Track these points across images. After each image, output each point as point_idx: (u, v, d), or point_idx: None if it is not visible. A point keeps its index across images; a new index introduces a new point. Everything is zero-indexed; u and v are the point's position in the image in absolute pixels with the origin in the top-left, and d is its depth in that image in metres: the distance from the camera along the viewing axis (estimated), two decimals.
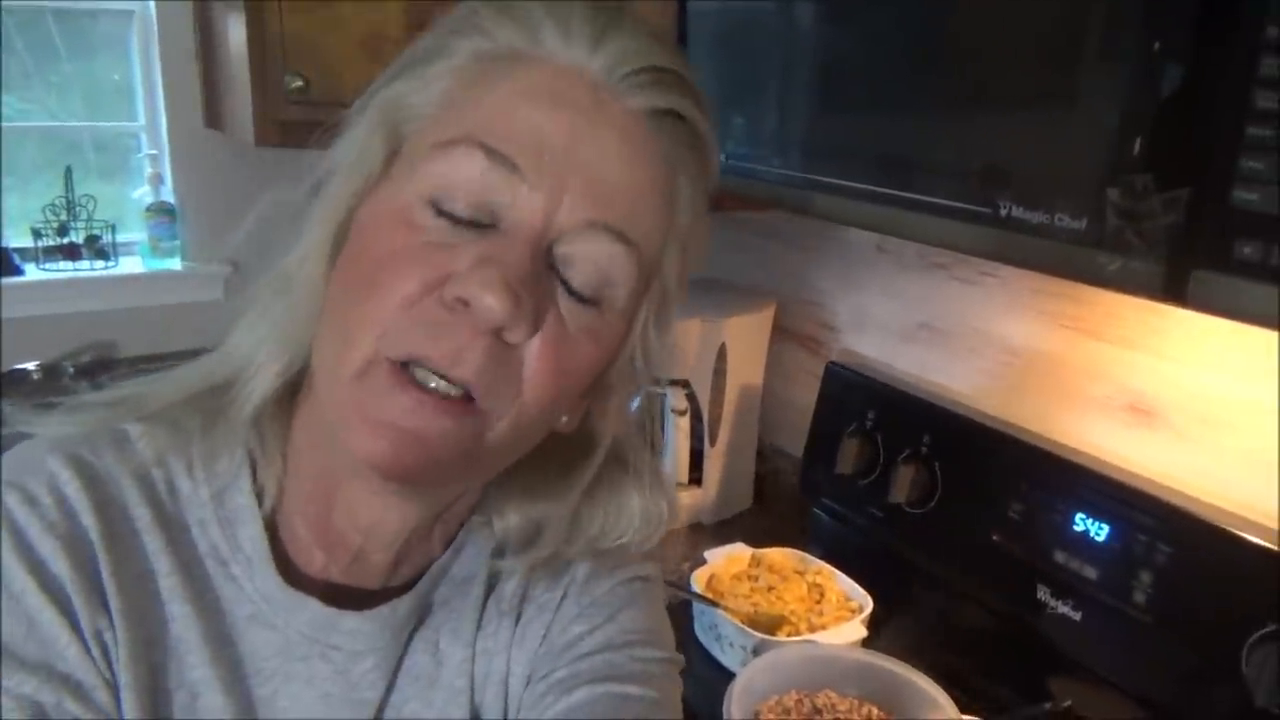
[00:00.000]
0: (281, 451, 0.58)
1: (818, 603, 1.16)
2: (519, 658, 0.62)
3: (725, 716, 0.91)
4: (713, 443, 1.45)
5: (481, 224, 0.50)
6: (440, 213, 0.50)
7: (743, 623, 1.10)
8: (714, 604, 1.13)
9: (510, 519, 0.62)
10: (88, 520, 0.53)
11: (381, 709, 0.59)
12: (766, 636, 1.08)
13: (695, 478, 1.46)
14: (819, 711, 0.99)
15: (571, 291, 0.52)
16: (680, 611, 1.22)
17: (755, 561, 1.22)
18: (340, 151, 0.54)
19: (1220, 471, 0.97)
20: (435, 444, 0.49)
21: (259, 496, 0.57)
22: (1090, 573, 0.99)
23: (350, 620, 0.57)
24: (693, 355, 1.39)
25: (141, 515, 0.55)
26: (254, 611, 0.56)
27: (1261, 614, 0.85)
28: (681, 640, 1.17)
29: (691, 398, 1.42)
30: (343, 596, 0.58)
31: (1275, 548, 0.85)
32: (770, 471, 1.53)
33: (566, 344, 0.51)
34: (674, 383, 1.41)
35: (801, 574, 1.20)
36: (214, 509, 0.57)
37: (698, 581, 1.17)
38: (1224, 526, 0.90)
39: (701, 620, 1.17)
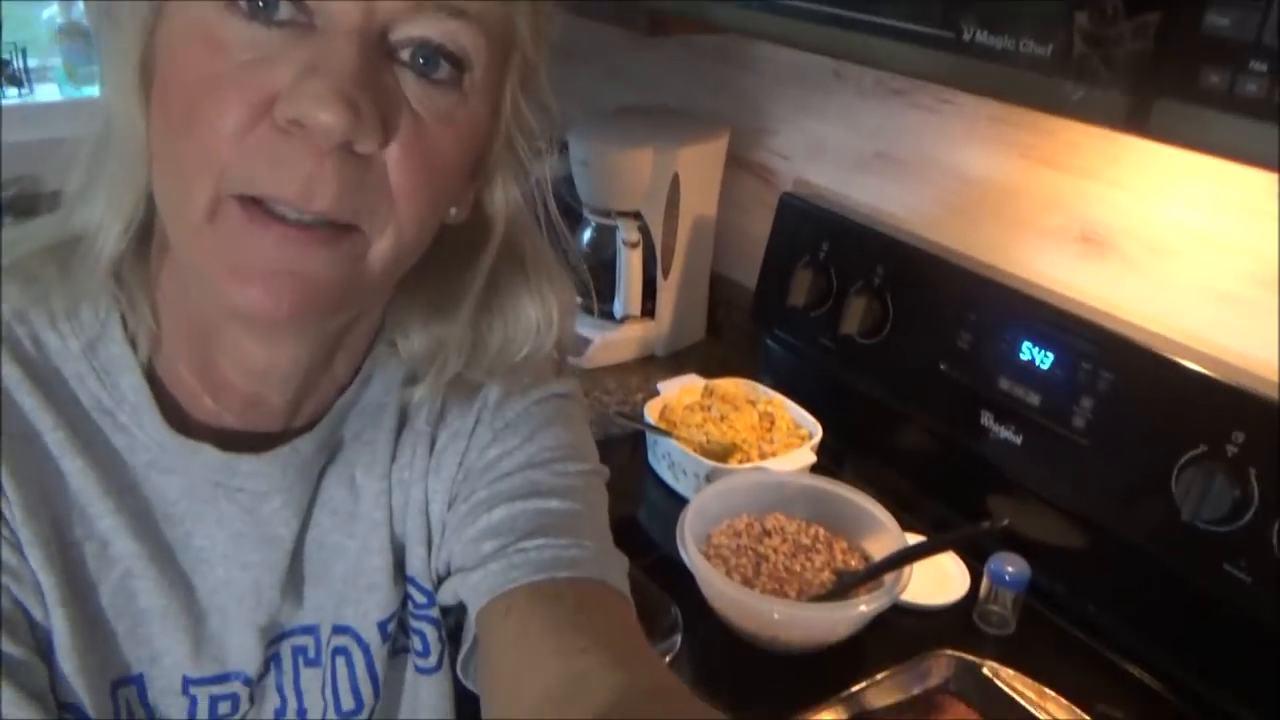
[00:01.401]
0: (149, 301, 0.55)
1: (768, 431, 1.19)
2: (436, 486, 0.62)
3: (679, 540, 0.94)
4: (665, 275, 1.44)
5: (298, 23, 0.45)
6: (243, 15, 0.44)
7: (695, 451, 1.12)
8: (667, 434, 1.15)
9: (414, 339, 0.59)
10: None
11: (300, 544, 0.59)
12: (718, 464, 1.10)
13: (648, 309, 1.46)
14: (768, 533, 1.03)
15: (419, 80, 0.47)
16: (634, 442, 1.24)
17: (708, 392, 1.24)
18: None
19: (1166, 300, 0.99)
20: (312, 279, 0.46)
21: (133, 345, 0.54)
22: (1033, 399, 1.01)
23: (248, 463, 0.56)
24: (644, 186, 1.36)
25: (11, 374, 0.52)
26: (151, 458, 0.55)
27: (1193, 437, 0.88)
28: (636, 470, 1.21)
29: (644, 229, 1.40)
30: (243, 439, 0.56)
31: (1211, 373, 0.88)
32: (723, 303, 1.53)
33: (428, 141, 0.47)
34: (625, 214, 1.39)
35: (753, 403, 1.22)
36: (88, 361, 0.54)
37: (651, 412, 1.19)
38: (1163, 354, 0.92)
39: (655, 450, 1.20)
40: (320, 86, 0.43)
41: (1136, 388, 0.94)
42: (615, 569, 0.59)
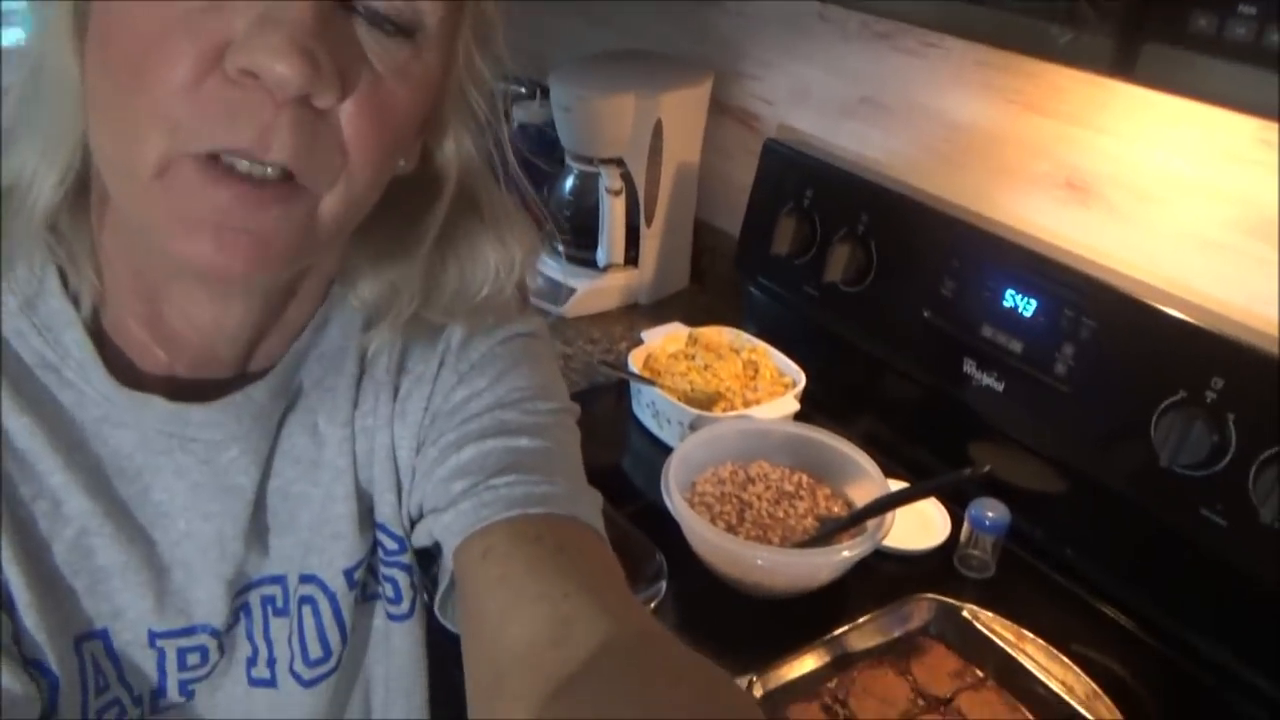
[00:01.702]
0: (90, 256, 0.53)
1: (752, 379, 1.19)
2: (403, 431, 0.61)
3: (663, 488, 0.95)
4: (649, 223, 1.43)
5: None
6: None
7: (679, 400, 1.12)
8: (651, 383, 1.15)
9: (368, 284, 0.58)
10: None
11: (263, 493, 0.59)
12: (703, 413, 1.11)
13: (631, 258, 1.45)
14: (752, 481, 1.03)
15: (374, 31, 0.46)
16: (619, 391, 1.24)
17: (692, 340, 1.24)
18: None
19: (1149, 247, 0.99)
20: (265, 236, 0.45)
21: (75, 301, 0.53)
22: (1016, 346, 1.02)
23: (198, 413, 0.55)
24: (627, 132, 1.35)
25: None
26: (102, 413, 0.54)
27: (1173, 383, 0.89)
28: (620, 419, 1.21)
29: (626, 177, 1.39)
30: (196, 389, 0.55)
31: (1191, 320, 0.89)
32: (707, 251, 1.52)
33: (382, 94, 0.46)
34: (608, 161, 1.37)
35: (737, 352, 1.23)
36: (27, 317, 0.52)
37: (635, 361, 1.19)
38: (1144, 300, 0.92)
39: (639, 399, 1.20)
40: (277, 38, 0.41)
41: (1118, 335, 0.94)
42: (588, 505, 0.58)
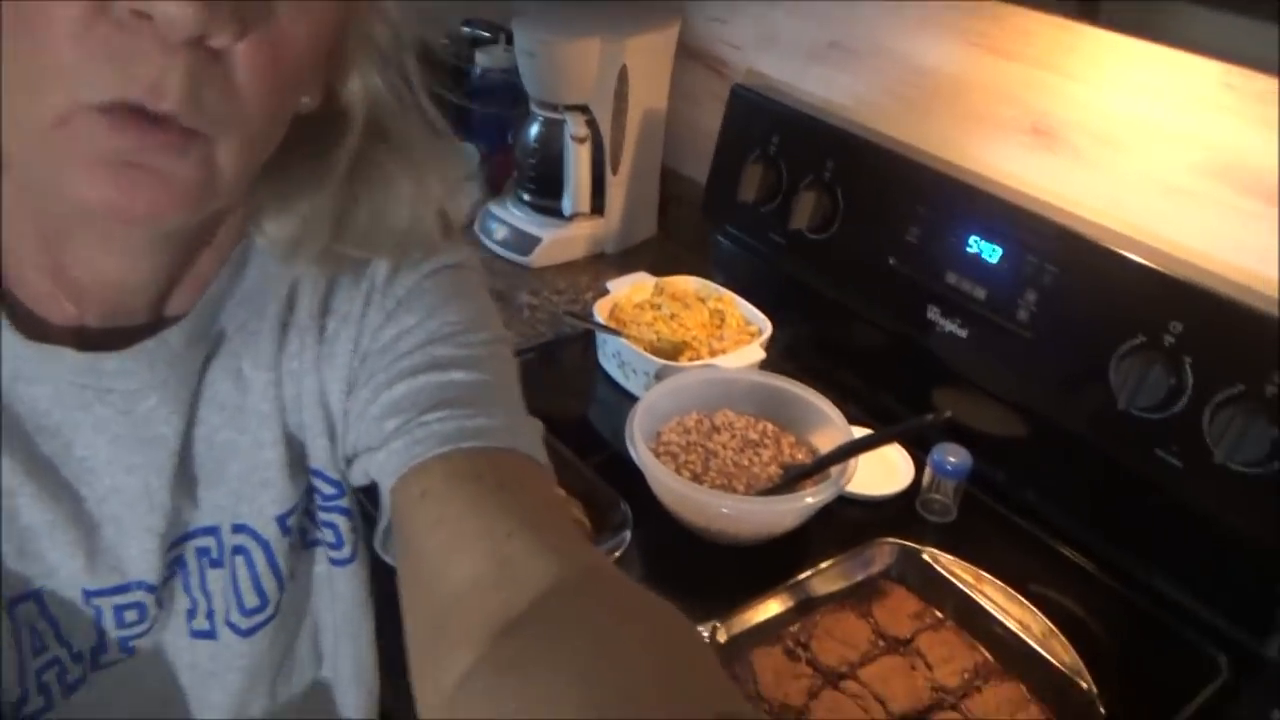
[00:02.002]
0: None
1: (718, 328, 1.19)
2: (331, 374, 0.60)
3: (628, 438, 0.95)
4: (614, 170, 1.42)
5: None
6: None
7: (645, 350, 1.12)
8: (617, 333, 1.15)
9: (276, 221, 0.56)
10: None
11: (188, 442, 0.57)
12: (668, 362, 1.10)
13: (597, 207, 1.44)
14: (717, 430, 1.04)
15: None
16: (584, 341, 1.24)
17: (658, 290, 1.23)
18: None
19: (1114, 192, 0.99)
20: (167, 178, 0.44)
21: None
22: (980, 293, 1.02)
23: (111, 361, 0.53)
24: (592, 78, 1.32)
25: None
26: (13, 370, 0.52)
27: (1132, 327, 0.89)
28: (586, 369, 1.21)
29: (592, 124, 1.37)
30: (109, 338, 0.54)
31: (1150, 264, 0.89)
32: (673, 198, 1.51)
33: (280, 32, 0.44)
34: (573, 108, 1.35)
35: (703, 300, 1.22)
36: None
37: (601, 311, 1.18)
38: (1105, 245, 0.92)
39: (605, 349, 1.19)
40: None
41: (1079, 280, 0.94)
42: (527, 435, 0.56)
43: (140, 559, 0.57)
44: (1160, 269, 0.89)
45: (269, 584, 0.61)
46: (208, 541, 0.59)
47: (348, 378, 0.59)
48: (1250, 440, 0.82)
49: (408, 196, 0.57)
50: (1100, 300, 0.93)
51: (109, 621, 0.57)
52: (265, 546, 0.60)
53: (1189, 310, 0.86)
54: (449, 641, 0.46)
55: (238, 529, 0.60)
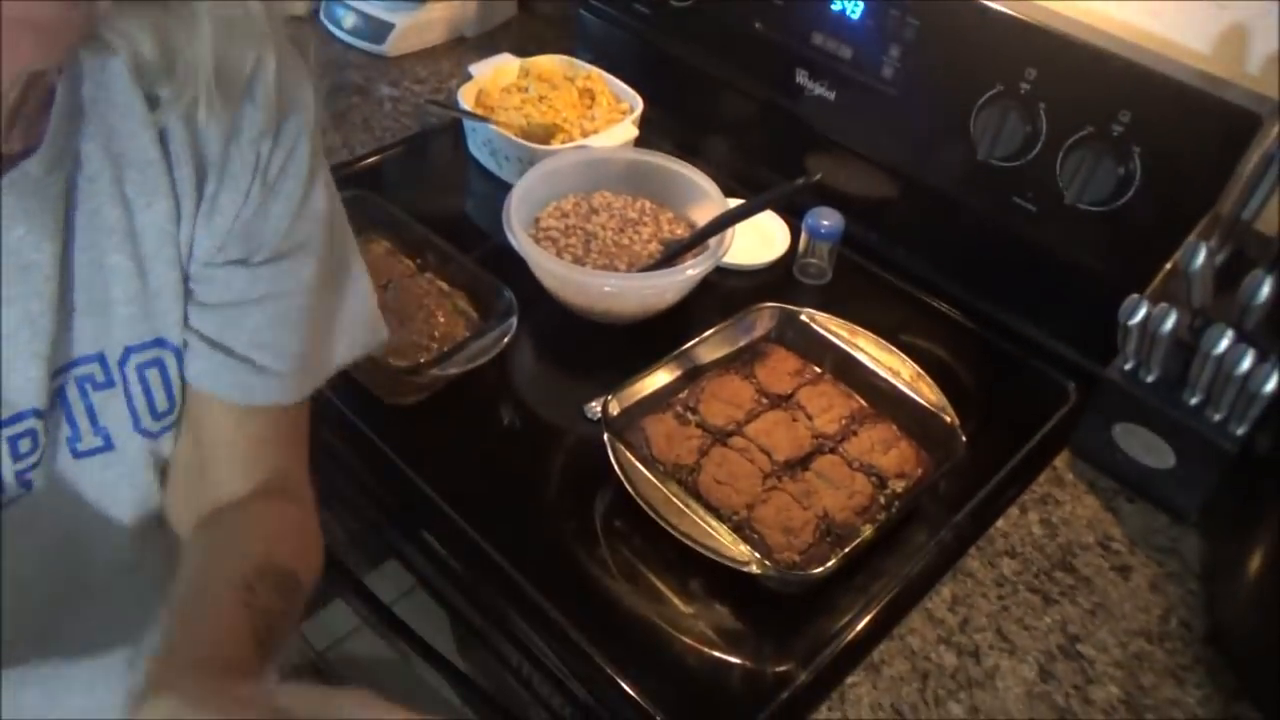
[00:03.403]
0: None
1: (589, 108, 1.16)
2: (205, 230, 0.59)
3: (506, 226, 0.94)
4: None
5: None
6: None
7: (516, 135, 1.09)
8: (485, 119, 1.11)
9: (130, 41, 0.52)
10: None
11: (67, 266, 0.56)
12: (541, 146, 1.08)
13: None
14: (596, 211, 1.04)
15: None
16: (453, 132, 1.20)
17: (524, 72, 1.19)
18: None
19: None
20: (43, 27, 0.42)
21: None
22: (845, 53, 1.02)
23: None
24: None
25: None
26: None
27: (991, 77, 0.91)
28: (457, 160, 1.18)
29: None
30: None
31: (1007, 10, 0.90)
32: None
33: None
34: None
35: (571, 80, 1.19)
36: None
37: (466, 98, 1.14)
38: None
39: (475, 137, 1.16)
40: None
41: (939, 31, 0.95)
42: (312, 378, 0.65)
43: (26, 386, 0.55)
44: (1015, 14, 0.89)
45: (178, 387, 0.62)
46: (92, 369, 0.58)
47: (221, 239, 0.59)
48: (1098, 180, 0.86)
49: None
50: (960, 51, 0.94)
51: (4, 454, 0.56)
52: (176, 353, 0.60)
53: (1043, 55, 0.88)
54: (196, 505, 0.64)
55: (144, 347, 0.59)
